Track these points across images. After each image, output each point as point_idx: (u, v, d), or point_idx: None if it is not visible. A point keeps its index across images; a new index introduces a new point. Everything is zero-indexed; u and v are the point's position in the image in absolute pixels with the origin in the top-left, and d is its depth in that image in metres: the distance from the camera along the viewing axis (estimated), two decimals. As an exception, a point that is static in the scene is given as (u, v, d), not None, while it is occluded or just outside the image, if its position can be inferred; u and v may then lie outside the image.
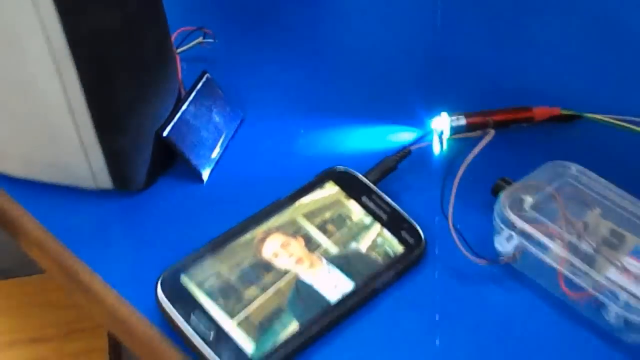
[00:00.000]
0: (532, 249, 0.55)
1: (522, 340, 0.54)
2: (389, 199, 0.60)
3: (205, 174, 0.64)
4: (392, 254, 0.57)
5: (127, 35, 0.56)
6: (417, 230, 0.58)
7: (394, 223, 0.59)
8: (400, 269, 0.56)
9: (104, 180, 0.62)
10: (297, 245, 0.57)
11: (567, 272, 0.54)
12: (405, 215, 0.59)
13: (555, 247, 0.55)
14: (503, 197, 0.58)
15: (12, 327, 0.91)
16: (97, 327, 0.90)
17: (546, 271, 0.55)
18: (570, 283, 0.54)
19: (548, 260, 0.55)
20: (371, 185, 0.61)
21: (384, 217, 0.59)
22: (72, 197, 0.63)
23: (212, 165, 0.65)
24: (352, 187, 0.61)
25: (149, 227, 0.61)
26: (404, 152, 0.64)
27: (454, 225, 0.57)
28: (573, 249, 0.55)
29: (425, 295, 0.56)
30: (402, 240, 0.58)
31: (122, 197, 0.63)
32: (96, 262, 0.59)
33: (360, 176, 0.62)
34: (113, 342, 0.90)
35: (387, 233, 0.58)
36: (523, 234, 0.56)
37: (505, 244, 0.56)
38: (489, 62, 0.76)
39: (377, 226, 0.59)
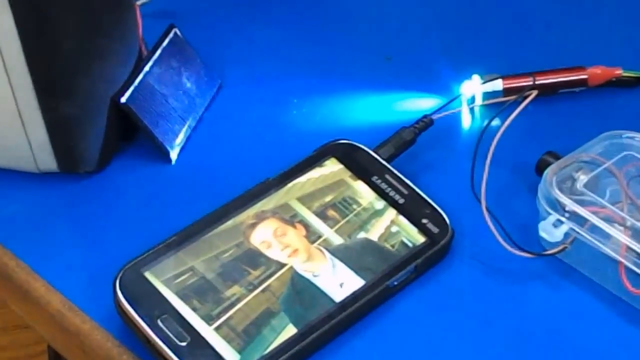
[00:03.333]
0: (587, 237, 0.58)
1: (573, 349, 0.56)
2: (406, 180, 0.63)
3: (174, 153, 0.67)
4: (410, 246, 0.59)
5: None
6: (442, 217, 0.61)
7: (412, 208, 0.61)
8: (421, 264, 0.59)
9: (47, 160, 0.64)
10: (295, 235, 0.60)
11: (630, 264, 0.56)
12: (427, 198, 0.62)
13: (615, 233, 0.57)
14: (549, 174, 0.60)
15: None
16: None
17: (603, 264, 0.58)
18: (633, 277, 0.57)
19: (606, 250, 0.57)
20: (384, 162, 0.64)
21: (401, 201, 0.62)
22: (6, 183, 0.65)
23: (183, 141, 0.68)
24: (359, 165, 0.63)
25: (103, 218, 0.64)
26: (425, 122, 0.67)
27: (488, 210, 0.60)
28: (638, 235, 0.57)
29: (452, 295, 0.59)
30: (423, 230, 0.60)
31: (69, 182, 0.65)
32: (37, 261, 0.61)
33: (370, 151, 0.64)
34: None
35: (403, 220, 0.61)
36: (575, 218, 0.58)
37: (552, 231, 0.59)
38: (533, 13, 0.79)
39: (392, 212, 0.61)
